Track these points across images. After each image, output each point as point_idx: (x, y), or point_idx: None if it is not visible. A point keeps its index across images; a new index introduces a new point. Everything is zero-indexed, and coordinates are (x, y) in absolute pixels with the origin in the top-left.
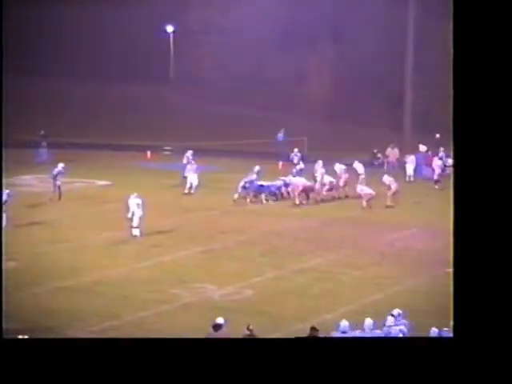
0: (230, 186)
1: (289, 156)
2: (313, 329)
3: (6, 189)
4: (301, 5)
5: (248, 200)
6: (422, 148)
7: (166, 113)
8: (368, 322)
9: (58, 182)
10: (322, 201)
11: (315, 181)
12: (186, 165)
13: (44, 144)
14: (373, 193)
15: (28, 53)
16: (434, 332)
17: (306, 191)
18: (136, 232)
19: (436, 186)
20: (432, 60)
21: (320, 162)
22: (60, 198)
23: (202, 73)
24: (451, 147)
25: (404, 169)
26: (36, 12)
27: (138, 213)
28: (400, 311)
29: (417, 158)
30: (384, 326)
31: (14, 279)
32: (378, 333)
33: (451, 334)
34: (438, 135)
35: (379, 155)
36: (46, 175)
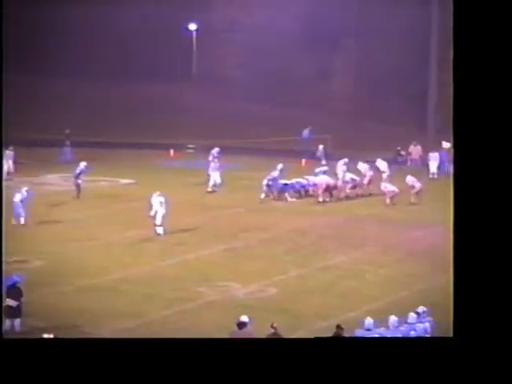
0: (253, 183)
1: (314, 153)
2: (338, 327)
3: (26, 187)
4: (324, 3)
5: (272, 198)
6: (446, 145)
7: (189, 111)
8: (392, 319)
9: (79, 181)
10: (346, 198)
11: (338, 178)
12: (209, 163)
13: (68, 143)
14: (396, 190)
15: (53, 53)
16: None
17: (330, 189)
18: (160, 230)
19: None
20: None
21: (343, 160)
22: (79, 196)
23: (225, 71)
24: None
25: (427, 166)
26: (57, 12)
27: (161, 211)
28: (425, 309)
29: (440, 156)
30: (406, 323)
31: (39, 278)
32: (402, 330)
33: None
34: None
35: (403, 152)
36: (70, 174)
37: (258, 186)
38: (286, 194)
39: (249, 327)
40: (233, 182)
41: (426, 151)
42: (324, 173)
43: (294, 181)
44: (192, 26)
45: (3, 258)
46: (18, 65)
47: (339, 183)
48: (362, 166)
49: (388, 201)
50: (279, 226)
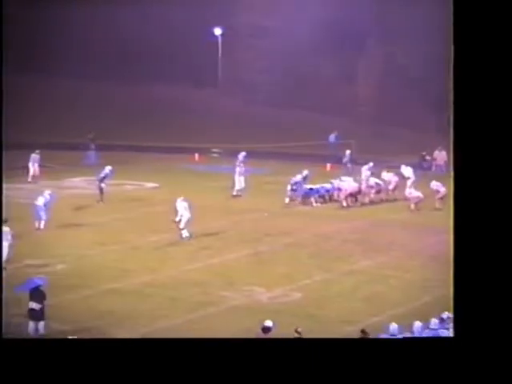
0: (278, 188)
1: (341, 159)
2: (363, 332)
3: (49, 190)
4: (347, 7)
5: (297, 202)
6: None
7: (214, 115)
8: (417, 324)
9: (103, 185)
10: (370, 203)
11: (362, 183)
12: (235, 167)
13: (92, 146)
14: (421, 196)
15: (79, 56)
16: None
17: (354, 194)
18: (186, 233)
19: None
20: None
21: (367, 165)
22: (102, 200)
23: (251, 75)
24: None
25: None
26: (82, 12)
27: (186, 215)
28: (450, 315)
29: None
30: (428, 328)
31: (63, 281)
32: (425, 336)
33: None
34: None
35: (428, 158)
36: (94, 177)
37: (282, 190)
38: (312, 199)
39: (273, 332)
40: (258, 187)
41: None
42: (350, 173)
43: (318, 185)
44: (217, 31)
45: (23, 262)
46: (38, 69)
47: (363, 188)
48: (386, 175)
49: (412, 206)
50: (303, 231)
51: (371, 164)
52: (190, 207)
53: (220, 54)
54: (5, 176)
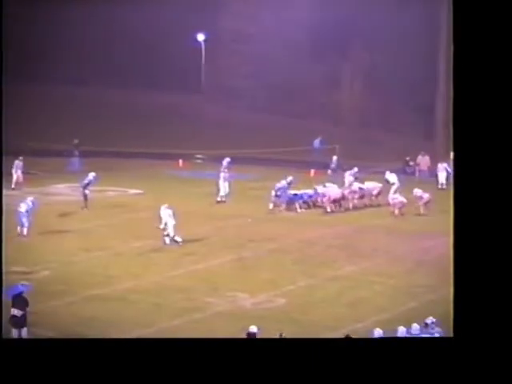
0: (262, 193)
1: (328, 165)
2: (347, 337)
3: (31, 197)
4: (332, 12)
5: (282, 208)
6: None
7: (198, 121)
8: (401, 330)
9: (87, 191)
10: (354, 208)
11: (345, 188)
12: (219, 173)
13: (76, 153)
14: (404, 201)
15: (63, 63)
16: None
17: (338, 200)
18: (178, 238)
19: None
20: None
21: (351, 171)
22: (87, 206)
23: (234, 81)
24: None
25: (436, 177)
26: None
27: (171, 222)
28: (434, 319)
29: (449, 166)
30: (411, 334)
31: (47, 288)
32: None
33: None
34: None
35: (411, 163)
36: (78, 184)
37: (266, 196)
38: (296, 205)
39: (258, 337)
40: (242, 192)
41: (434, 161)
42: (333, 179)
43: (302, 191)
44: (200, 37)
45: (7, 268)
46: (25, 74)
47: (346, 193)
48: (370, 184)
49: (396, 212)
50: (287, 236)
51: (356, 169)
52: (174, 214)
53: (203, 60)
54: None
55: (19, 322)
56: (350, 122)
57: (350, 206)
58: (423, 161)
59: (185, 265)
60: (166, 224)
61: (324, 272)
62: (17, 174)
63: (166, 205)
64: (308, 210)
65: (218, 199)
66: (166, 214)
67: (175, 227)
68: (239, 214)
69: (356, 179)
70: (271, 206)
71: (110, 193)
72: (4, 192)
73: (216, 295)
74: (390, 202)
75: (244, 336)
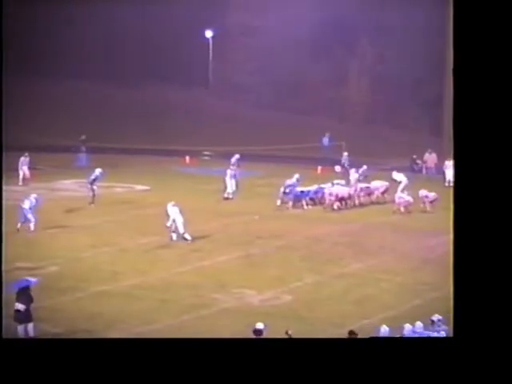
0: (269, 190)
1: (333, 161)
2: (351, 332)
3: (35, 194)
4: (340, 8)
5: (289, 205)
6: None
7: (205, 117)
8: (408, 327)
9: (94, 187)
10: (361, 206)
11: (351, 185)
12: (227, 169)
13: (84, 149)
14: (411, 200)
15: (71, 58)
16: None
17: (345, 198)
18: (188, 236)
19: None
20: None
21: (358, 168)
22: (94, 202)
23: (242, 77)
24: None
25: (444, 174)
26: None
27: (180, 219)
28: (440, 317)
29: None
30: (413, 332)
31: (53, 283)
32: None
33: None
34: None
35: (418, 161)
36: (85, 180)
37: (274, 193)
38: (303, 202)
39: (264, 334)
40: (249, 189)
41: (442, 159)
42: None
43: (309, 188)
44: (208, 33)
45: (14, 264)
46: (29, 72)
47: (352, 191)
48: (377, 182)
49: (402, 209)
50: (295, 233)
51: (365, 167)
52: (181, 211)
53: (211, 56)
54: None
55: (23, 318)
56: (356, 119)
57: (357, 203)
58: (430, 158)
59: (192, 261)
60: (173, 221)
61: (331, 269)
62: (22, 170)
63: (172, 202)
64: (314, 207)
65: (225, 196)
66: (173, 211)
67: (184, 225)
68: (246, 211)
69: (366, 177)
70: (279, 202)
71: (117, 189)
72: (12, 188)
73: (223, 292)
74: (396, 200)
75: (250, 333)
